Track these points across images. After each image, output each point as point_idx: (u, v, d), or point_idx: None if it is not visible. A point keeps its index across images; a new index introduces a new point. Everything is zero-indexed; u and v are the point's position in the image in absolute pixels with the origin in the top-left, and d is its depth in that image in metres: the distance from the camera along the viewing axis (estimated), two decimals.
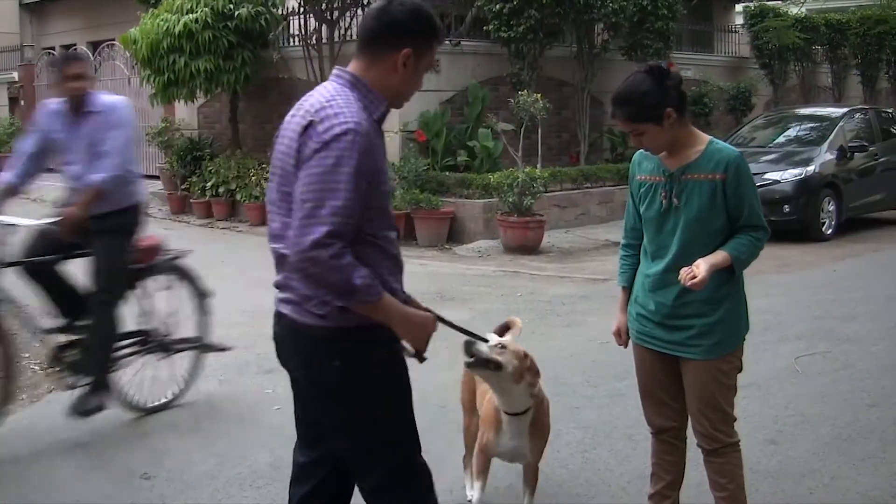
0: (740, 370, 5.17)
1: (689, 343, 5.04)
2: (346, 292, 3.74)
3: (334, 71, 4.08)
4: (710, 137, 5.05)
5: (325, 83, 4.07)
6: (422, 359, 4.16)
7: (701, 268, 4.75)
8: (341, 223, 3.69)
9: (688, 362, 5.08)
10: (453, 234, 17.52)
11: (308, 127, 3.83)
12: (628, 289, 5.39)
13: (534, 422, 5.41)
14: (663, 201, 5.01)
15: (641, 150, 5.11)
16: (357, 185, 3.72)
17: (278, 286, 4.10)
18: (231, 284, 13.48)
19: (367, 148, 3.77)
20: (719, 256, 4.85)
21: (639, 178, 5.18)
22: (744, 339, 5.16)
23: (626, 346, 5.47)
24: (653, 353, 5.22)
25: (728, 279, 4.98)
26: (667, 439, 5.37)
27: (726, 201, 4.91)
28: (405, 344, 4.09)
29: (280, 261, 4.03)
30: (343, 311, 3.85)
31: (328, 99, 3.89)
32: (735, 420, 5.18)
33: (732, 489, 5.16)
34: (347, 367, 3.95)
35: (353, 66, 4.02)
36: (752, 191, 4.95)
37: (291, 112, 4.04)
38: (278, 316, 4.12)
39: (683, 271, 4.79)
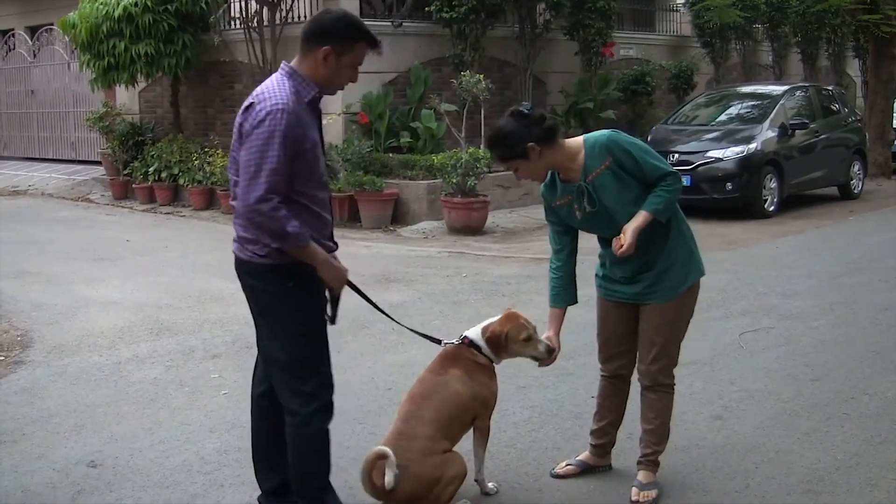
0: (690, 317, 5.88)
1: (649, 291, 5.71)
2: (280, 237, 4.85)
3: (280, 64, 5.14)
4: (584, 136, 5.66)
5: (273, 74, 5.11)
6: (333, 316, 5.38)
7: (627, 234, 5.42)
8: (274, 181, 4.78)
9: (647, 307, 5.77)
10: (397, 216, 17.50)
11: (249, 107, 4.92)
12: (561, 309, 5.96)
13: None
14: (577, 213, 5.68)
15: (545, 184, 5.80)
16: (285, 151, 4.79)
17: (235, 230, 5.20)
18: (175, 269, 13.47)
19: (292, 122, 4.83)
20: (640, 218, 5.46)
21: (556, 204, 5.81)
22: (698, 279, 5.81)
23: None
24: (616, 304, 5.91)
25: (661, 228, 5.61)
26: (615, 383, 6.12)
27: (628, 174, 5.53)
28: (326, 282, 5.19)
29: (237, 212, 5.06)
30: (269, 252, 4.98)
31: (267, 86, 4.98)
32: (675, 366, 5.90)
33: (657, 424, 5.89)
34: (270, 292, 5.13)
35: (294, 60, 5.07)
36: (641, 151, 5.57)
37: None
38: (234, 253, 5.23)
39: (614, 243, 5.48)
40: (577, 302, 5.96)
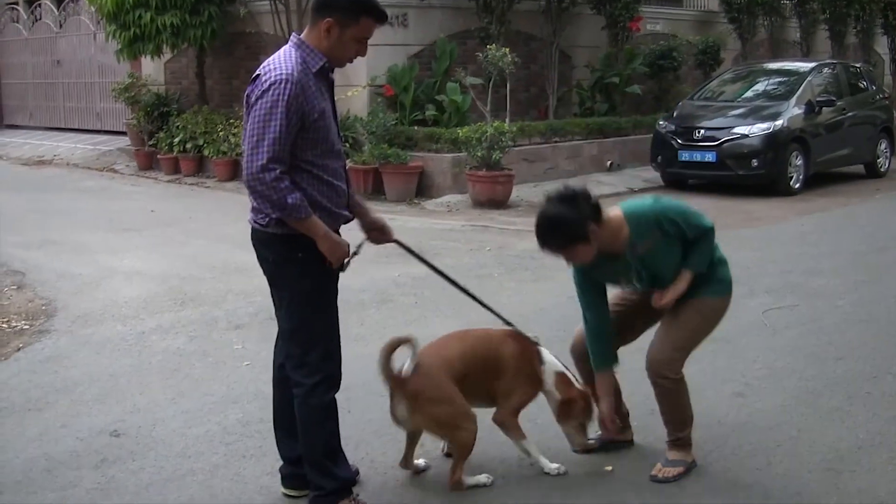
0: (711, 328, 5.74)
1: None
2: (280, 207, 4.88)
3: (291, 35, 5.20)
4: (622, 209, 5.48)
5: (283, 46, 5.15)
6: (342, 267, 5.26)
7: (669, 296, 5.53)
8: (277, 150, 4.82)
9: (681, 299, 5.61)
10: (422, 189, 17.47)
11: (256, 78, 4.97)
12: (611, 372, 5.86)
13: None
14: (624, 286, 5.78)
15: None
16: (288, 121, 4.84)
17: None
18: (199, 240, 13.50)
19: (296, 92, 4.86)
20: (684, 281, 5.53)
21: (591, 271, 5.64)
22: (729, 293, 5.75)
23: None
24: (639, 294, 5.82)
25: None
26: (588, 367, 5.94)
27: (672, 239, 5.45)
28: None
29: None
30: (269, 221, 5.04)
31: (274, 57, 5.02)
32: (682, 365, 5.71)
33: (670, 415, 5.82)
34: (278, 261, 5.18)
35: (304, 31, 5.10)
36: (683, 215, 5.48)
37: None
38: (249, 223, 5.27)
39: (654, 297, 5.57)
40: (618, 362, 5.89)
